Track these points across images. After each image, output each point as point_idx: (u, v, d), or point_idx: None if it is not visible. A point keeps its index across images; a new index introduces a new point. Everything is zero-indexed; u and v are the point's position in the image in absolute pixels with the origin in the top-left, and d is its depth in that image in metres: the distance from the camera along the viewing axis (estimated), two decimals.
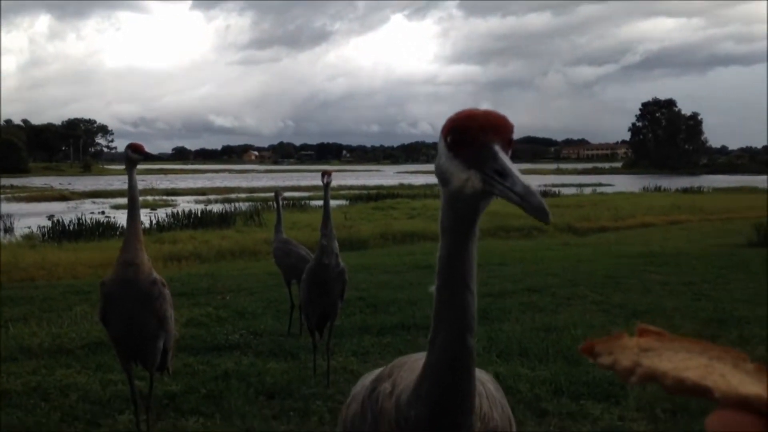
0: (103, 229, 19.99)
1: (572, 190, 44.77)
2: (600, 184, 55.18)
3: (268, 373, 5.65)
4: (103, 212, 28.71)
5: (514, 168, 1.11)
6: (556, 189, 43.64)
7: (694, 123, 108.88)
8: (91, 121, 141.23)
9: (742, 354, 0.60)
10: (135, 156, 4.10)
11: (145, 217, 22.02)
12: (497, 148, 1.14)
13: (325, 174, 5.54)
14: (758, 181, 52.67)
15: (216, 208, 26.74)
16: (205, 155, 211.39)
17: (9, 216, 23.40)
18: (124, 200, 5.04)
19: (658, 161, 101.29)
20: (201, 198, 39.84)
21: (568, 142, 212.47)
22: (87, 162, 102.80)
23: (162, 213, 24.51)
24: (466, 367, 1.29)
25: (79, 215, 22.09)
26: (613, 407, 4.72)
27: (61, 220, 20.75)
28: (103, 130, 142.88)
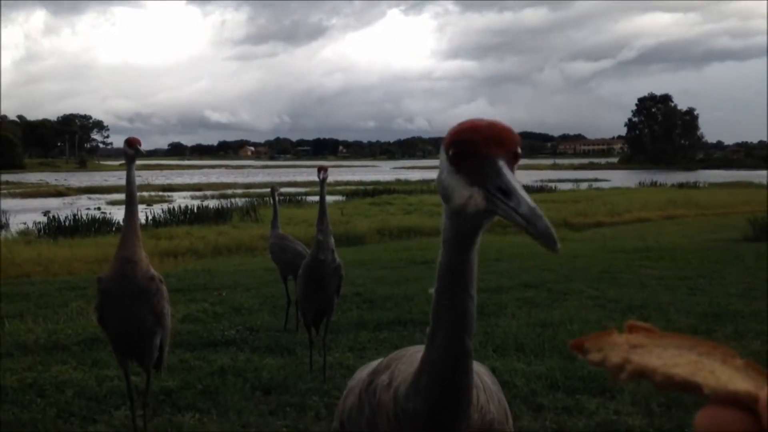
0: (99, 225, 20.02)
1: (568, 186, 44.91)
2: (596, 180, 55.26)
3: (265, 368, 5.65)
4: (99, 208, 28.64)
5: (520, 186, 1.05)
6: (552, 184, 43.85)
7: (690, 118, 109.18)
8: (86, 117, 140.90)
9: (731, 350, 0.60)
10: (129, 151, 4.09)
11: (142, 212, 21.92)
12: (501, 163, 1.09)
13: (322, 169, 5.53)
14: (754, 176, 52.90)
15: (212, 203, 26.70)
16: (201, 151, 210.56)
17: (4, 212, 23.23)
18: (120, 196, 5.02)
19: (654, 156, 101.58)
20: (197, 194, 39.81)
21: (565, 138, 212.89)
22: (83, 158, 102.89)
23: (158, 209, 24.49)
24: (464, 365, 1.30)
25: (75, 211, 22.10)
26: (609, 402, 4.75)
27: (56, 216, 20.67)
28: (99, 125, 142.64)
